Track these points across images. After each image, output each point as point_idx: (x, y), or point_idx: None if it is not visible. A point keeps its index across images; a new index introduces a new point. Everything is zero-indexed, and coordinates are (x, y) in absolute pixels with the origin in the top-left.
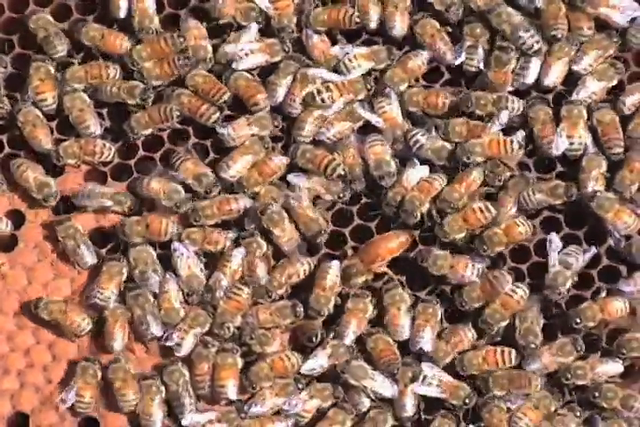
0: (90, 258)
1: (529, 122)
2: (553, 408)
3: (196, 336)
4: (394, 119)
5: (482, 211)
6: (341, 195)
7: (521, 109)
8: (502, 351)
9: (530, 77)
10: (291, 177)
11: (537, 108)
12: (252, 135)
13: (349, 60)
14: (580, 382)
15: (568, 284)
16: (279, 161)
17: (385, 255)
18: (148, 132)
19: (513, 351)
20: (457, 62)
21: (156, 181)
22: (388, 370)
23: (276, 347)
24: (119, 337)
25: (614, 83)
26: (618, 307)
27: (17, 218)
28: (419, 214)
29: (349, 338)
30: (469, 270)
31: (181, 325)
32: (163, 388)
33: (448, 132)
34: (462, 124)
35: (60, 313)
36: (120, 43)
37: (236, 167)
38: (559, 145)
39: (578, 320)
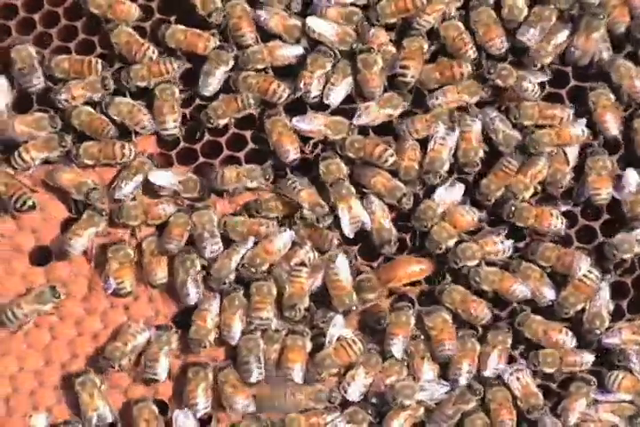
0: None
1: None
2: None
3: (243, 319)
4: None
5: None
6: (404, 200)
7: (539, 94)
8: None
9: None
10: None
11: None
12: None
13: None
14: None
15: None
16: None
17: (402, 278)
18: (144, 84)
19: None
20: None
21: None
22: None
23: (346, 330)
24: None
25: (601, 31)
26: None
27: None
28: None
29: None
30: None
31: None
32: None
33: (519, 116)
34: (533, 106)
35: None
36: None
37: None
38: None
39: None
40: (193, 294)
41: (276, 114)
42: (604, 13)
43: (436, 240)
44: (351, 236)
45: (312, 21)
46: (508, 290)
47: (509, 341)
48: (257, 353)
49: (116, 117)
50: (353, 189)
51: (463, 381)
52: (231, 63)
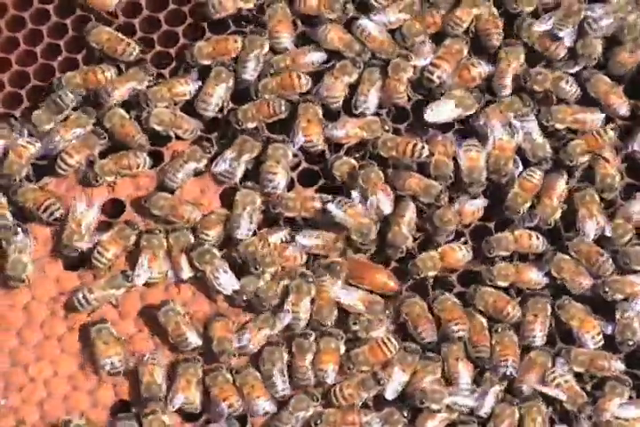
0: None
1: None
2: None
3: (266, 337)
4: None
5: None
6: (441, 196)
7: (578, 94)
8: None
9: None
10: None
11: None
12: None
13: None
14: None
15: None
16: None
17: (364, 282)
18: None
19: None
20: None
21: None
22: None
23: (381, 333)
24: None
25: None
26: None
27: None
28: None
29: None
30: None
31: (251, 325)
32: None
33: (551, 119)
34: (565, 110)
35: None
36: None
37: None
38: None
39: None
40: (244, 228)
41: (311, 101)
42: None
43: (419, 267)
44: (389, 211)
45: (364, 22)
46: (526, 281)
47: (549, 309)
48: (280, 367)
49: (158, 127)
50: (382, 175)
51: (509, 372)
52: (266, 46)
